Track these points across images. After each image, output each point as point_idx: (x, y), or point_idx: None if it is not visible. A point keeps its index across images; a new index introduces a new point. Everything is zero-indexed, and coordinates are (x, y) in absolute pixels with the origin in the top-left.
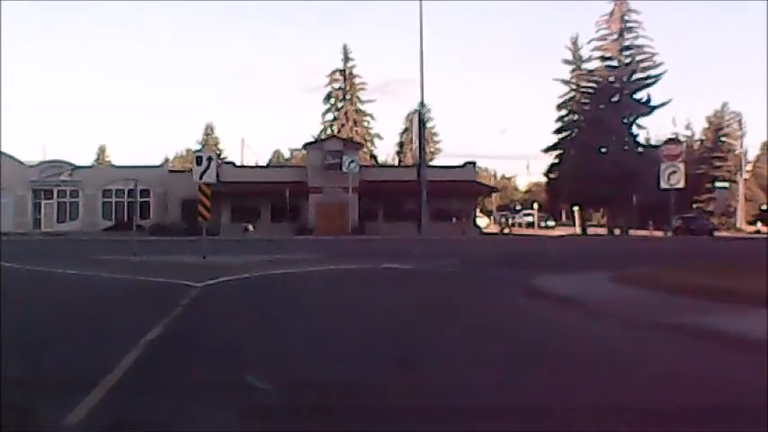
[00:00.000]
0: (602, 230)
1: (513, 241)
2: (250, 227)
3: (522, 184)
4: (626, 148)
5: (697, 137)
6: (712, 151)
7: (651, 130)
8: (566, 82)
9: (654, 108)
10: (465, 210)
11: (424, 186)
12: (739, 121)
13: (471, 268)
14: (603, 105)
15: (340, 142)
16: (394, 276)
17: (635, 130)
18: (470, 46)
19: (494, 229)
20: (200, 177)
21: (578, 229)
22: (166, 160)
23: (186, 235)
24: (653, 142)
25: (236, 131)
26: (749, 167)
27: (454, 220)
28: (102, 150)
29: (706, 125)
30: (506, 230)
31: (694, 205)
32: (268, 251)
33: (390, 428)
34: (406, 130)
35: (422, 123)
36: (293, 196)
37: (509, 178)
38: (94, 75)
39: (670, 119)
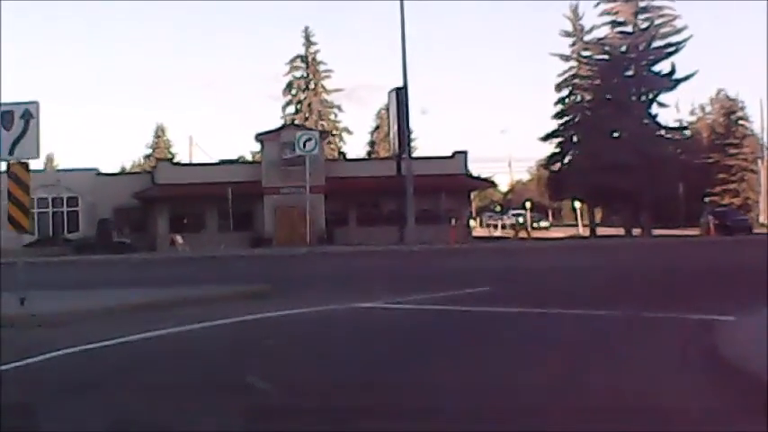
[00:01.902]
0: (612, 230)
1: (544, 250)
2: (179, 239)
3: (503, 183)
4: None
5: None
6: (725, 137)
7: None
8: (566, 57)
9: (678, 81)
10: (456, 210)
11: (410, 180)
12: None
13: (530, 304)
14: (616, 80)
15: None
16: (381, 341)
17: (654, 108)
18: (443, 39)
19: (482, 232)
20: (11, 152)
21: (582, 230)
22: (123, 169)
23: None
24: None
25: (201, 142)
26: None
27: (454, 221)
28: (49, 159)
29: (704, 111)
30: (522, 234)
31: (707, 199)
32: (181, 279)
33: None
34: (377, 127)
35: (403, 102)
36: (246, 198)
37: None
38: (55, 86)
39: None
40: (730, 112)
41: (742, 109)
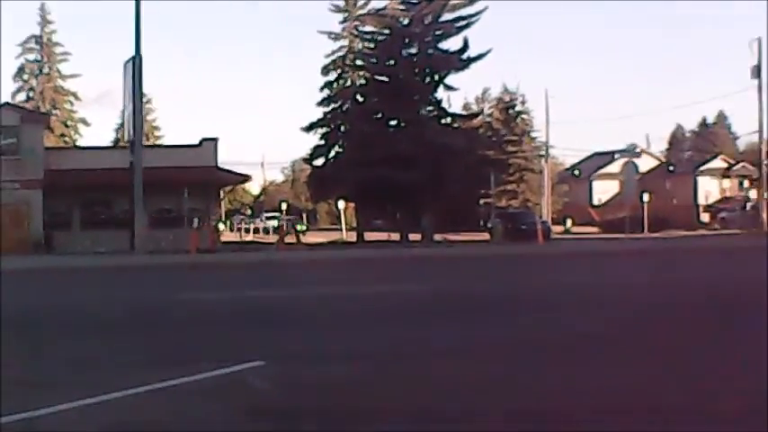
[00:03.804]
0: (383, 235)
1: (335, 265)
2: None
3: (255, 185)
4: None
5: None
6: (504, 134)
7: None
8: (336, 36)
9: (470, 61)
10: (203, 210)
11: (138, 170)
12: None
13: None
14: (395, 59)
15: (16, 114)
16: None
17: (440, 92)
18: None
19: (233, 236)
20: None
21: (345, 234)
22: None
23: None
24: None
25: None
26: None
27: (195, 223)
28: None
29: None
30: (289, 240)
31: (482, 201)
32: None
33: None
34: (122, 125)
35: (138, 76)
36: None
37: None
38: None
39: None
40: (509, 106)
41: (522, 103)
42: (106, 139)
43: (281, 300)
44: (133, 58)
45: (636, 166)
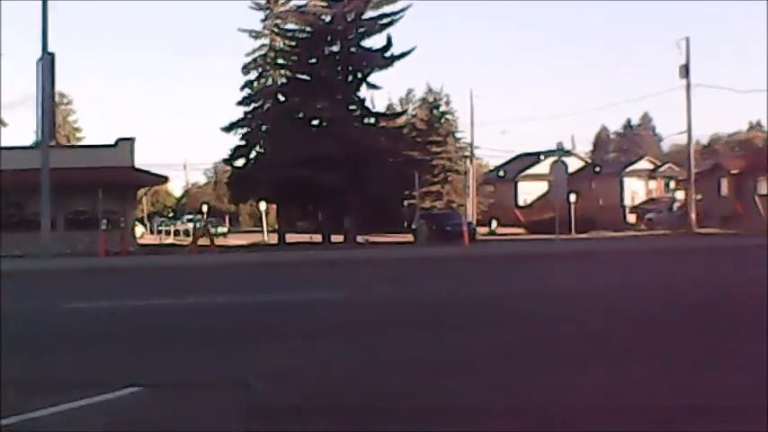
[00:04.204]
0: (306, 237)
1: (238, 268)
2: None
3: (177, 187)
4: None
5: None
6: (428, 134)
7: None
8: (257, 34)
9: (394, 59)
10: (120, 212)
11: (46, 171)
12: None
13: None
14: (317, 57)
15: None
16: None
17: (363, 91)
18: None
19: (152, 239)
20: None
21: (267, 236)
22: None
23: None
24: None
25: None
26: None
27: (104, 224)
28: None
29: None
30: (203, 242)
31: (406, 202)
32: None
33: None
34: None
35: (49, 74)
36: None
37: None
38: None
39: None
40: (433, 106)
41: (447, 103)
42: (29, 140)
43: (171, 309)
44: (42, 56)
45: (566, 166)
